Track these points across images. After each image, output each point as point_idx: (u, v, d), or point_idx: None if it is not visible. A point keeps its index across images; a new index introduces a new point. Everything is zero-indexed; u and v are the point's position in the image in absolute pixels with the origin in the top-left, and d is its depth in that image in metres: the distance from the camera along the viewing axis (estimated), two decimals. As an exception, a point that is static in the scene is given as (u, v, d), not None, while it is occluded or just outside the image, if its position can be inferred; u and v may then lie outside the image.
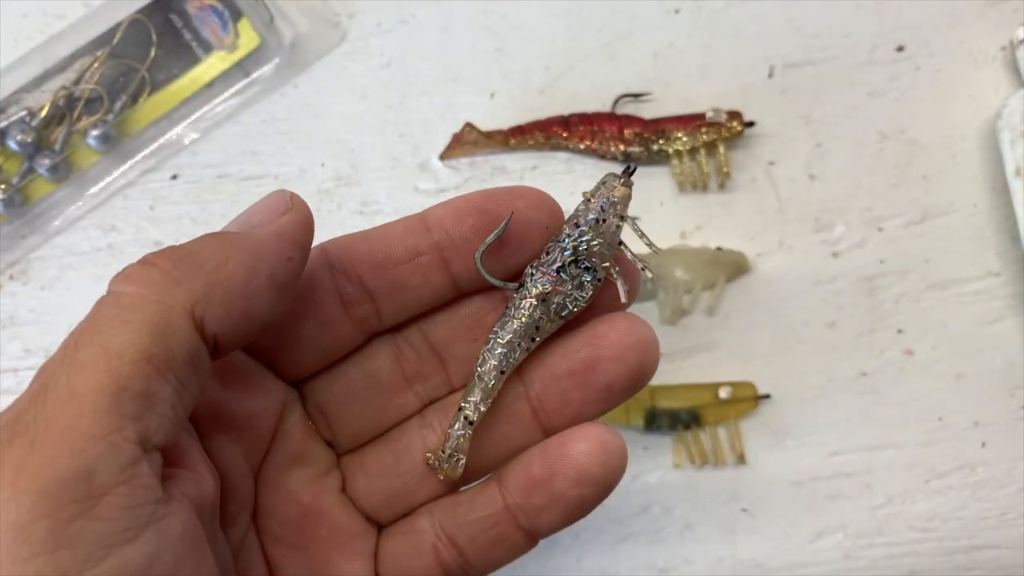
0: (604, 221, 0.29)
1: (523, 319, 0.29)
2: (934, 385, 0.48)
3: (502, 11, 0.53)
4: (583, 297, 0.29)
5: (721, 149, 0.49)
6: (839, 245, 0.50)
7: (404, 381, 0.31)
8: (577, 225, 0.29)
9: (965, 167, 0.51)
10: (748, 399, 0.47)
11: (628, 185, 0.29)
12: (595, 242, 0.29)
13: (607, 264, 0.29)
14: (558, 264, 0.29)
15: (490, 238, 0.28)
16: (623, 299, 0.30)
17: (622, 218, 0.29)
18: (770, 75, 0.52)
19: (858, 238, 0.50)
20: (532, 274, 0.29)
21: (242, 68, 0.51)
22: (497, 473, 0.30)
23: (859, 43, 0.52)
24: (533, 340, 0.29)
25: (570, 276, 0.29)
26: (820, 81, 0.52)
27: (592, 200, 0.29)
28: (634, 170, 0.30)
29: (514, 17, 0.53)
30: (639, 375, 0.29)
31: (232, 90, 0.50)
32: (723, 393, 0.46)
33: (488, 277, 0.29)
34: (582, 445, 0.28)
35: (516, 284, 0.29)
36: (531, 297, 0.29)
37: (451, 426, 0.29)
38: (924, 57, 0.52)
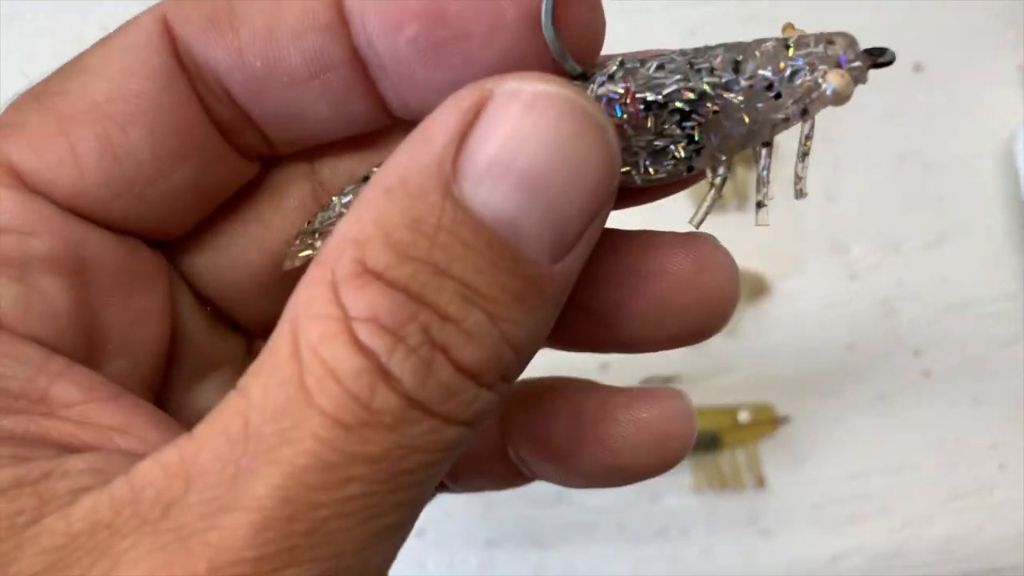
0: (778, 96, 0.17)
1: None
2: (951, 407, 0.48)
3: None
4: (646, 172, 0.18)
5: (738, 168, 0.49)
6: (856, 266, 0.50)
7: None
8: (737, 67, 0.17)
9: (982, 188, 0.51)
10: (767, 421, 0.47)
11: (856, 74, 0.18)
12: (740, 109, 0.17)
13: (724, 155, 0.18)
14: (656, 96, 0.17)
15: None
16: (692, 222, 0.19)
17: (804, 112, 0.18)
18: (787, 95, 0.52)
19: (875, 259, 0.50)
20: (611, 78, 0.17)
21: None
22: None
23: (875, 63, 0.52)
24: None
25: (656, 126, 0.17)
26: (837, 101, 0.52)
27: (787, 48, 0.18)
28: (890, 61, 0.19)
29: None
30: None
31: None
32: (742, 416, 0.46)
33: (555, 42, 0.17)
34: (629, 431, 0.21)
35: (580, 72, 0.18)
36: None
37: (341, 194, 0.19)
38: (941, 77, 0.52)
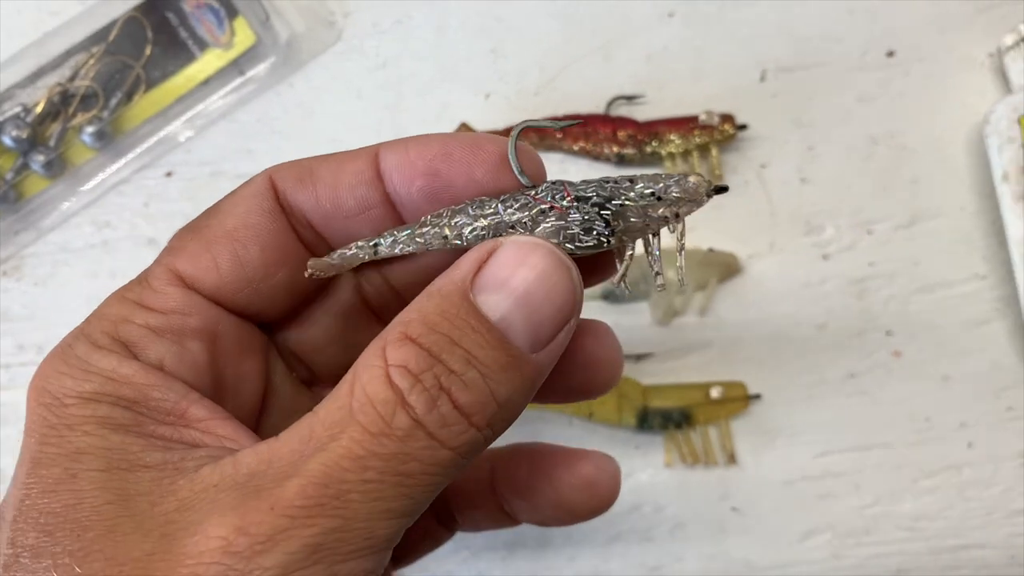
0: (658, 200, 0.26)
1: (507, 212, 0.26)
2: (922, 386, 0.49)
3: (497, 12, 0.53)
4: (580, 241, 0.26)
5: (714, 152, 0.50)
6: (829, 247, 0.50)
7: (371, 315, 0.31)
8: (632, 182, 0.27)
9: (953, 171, 0.52)
10: (739, 399, 0.47)
11: (707, 193, 0.27)
12: (633, 207, 0.26)
13: (626, 237, 0.27)
14: (584, 194, 0.26)
15: (539, 122, 0.29)
16: (614, 280, 0.28)
17: (677, 216, 0.27)
18: (762, 79, 0.52)
19: (848, 241, 0.51)
20: (552, 184, 0.27)
21: (237, 66, 0.51)
22: (493, 453, 0.32)
23: (850, 48, 0.53)
24: (494, 235, 0.26)
25: (584, 212, 0.26)
26: (811, 85, 0.52)
27: (662, 176, 0.27)
28: (724, 190, 0.27)
29: (509, 18, 0.53)
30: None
31: (227, 88, 0.50)
32: (714, 393, 0.47)
33: (515, 161, 0.27)
34: (571, 478, 0.31)
35: (531, 184, 0.27)
36: (536, 197, 0.26)
37: (359, 240, 0.28)
38: (914, 62, 0.53)
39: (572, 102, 0.52)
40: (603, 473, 0.31)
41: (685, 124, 0.50)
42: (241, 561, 0.21)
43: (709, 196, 0.27)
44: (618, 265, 0.27)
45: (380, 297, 0.31)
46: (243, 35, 0.50)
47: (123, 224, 0.50)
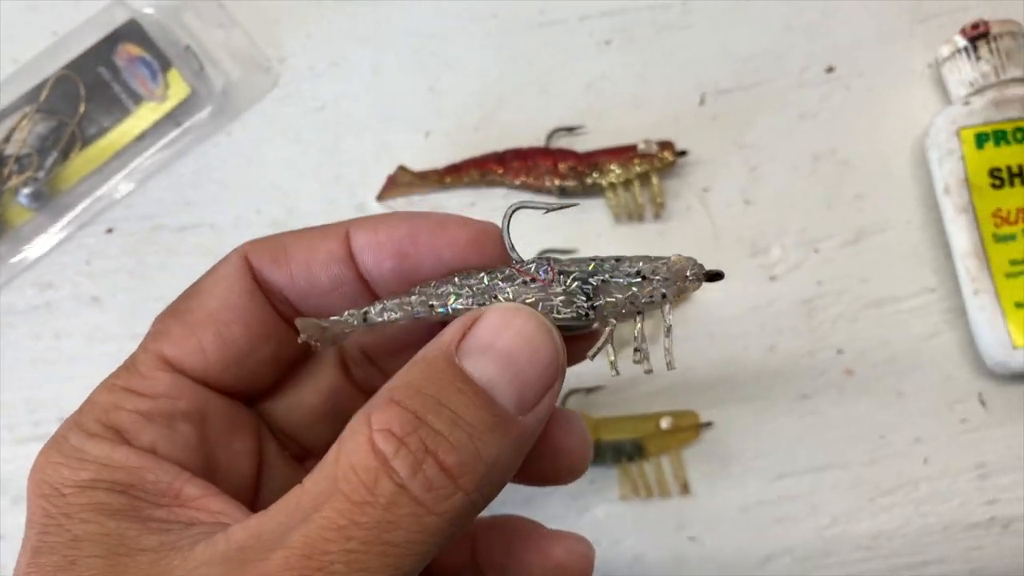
0: (643, 279, 0.27)
1: (491, 282, 0.27)
2: (875, 403, 0.49)
3: (433, 48, 0.53)
4: (560, 314, 0.27)
5: (655, 180, 0.49)
6: (776, 268, 0.50)
7: (358, 392, 0.32)
8: (619, 261, 0.27)
9: (898, 185, 0.52)
10: (690, 428, 0.47)
11: (697, 277, 0.27)
12: (618, 284, 0.27)
13: (608, 314, 0.27)
14: (567, 269, 0.27)
15: (532, 204, 0.29)
16: (589, 354, 0.28)
17: (663, 296, 0.27)
18: (702, 102, 0.52)
19: (794, 260, 0.50)
20: (539, 259, 0.28)
21: (173, 118, 0.50)
22: (480, 523, 0.32)
23: (790, 65, 0.53)
24: (479, 305, 0.27)
25: (565, 285, 0.27)
26: (752, 105, 0.52)
27: (651, 257, 0.28)
28: (719, 277, 0.28)
29: (445, 54, 0.53)
30: None
31: (164, 140, 0.50)
32: (664, 423, 0.47)
33: (508, 238, 0.28)
34: (542, 561, 0.31)
35: (520, 260, 0.28)
36: (521, 270, 0.27)
37: (349, 310, 0.28)
38: (854, 77, 0.53)
39: (512, 135, 0.51)
40: (574, 556, 0.31)
41: (624, 154, 0.50)
42: None
43: (698, 280, 0.27)
44: (596, 345, 0.28)
45: (365, 374, 0.32)
46: (177, 87, 0.50)
47: (65, 284, 0.50)
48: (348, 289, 0.28)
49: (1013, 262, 0.47)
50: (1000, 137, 0.48)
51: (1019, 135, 0.48)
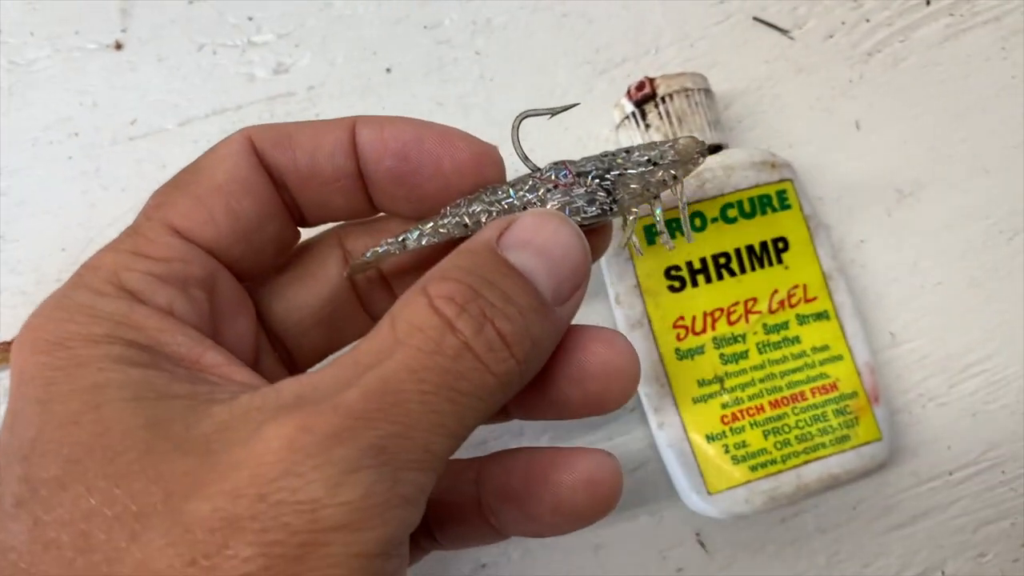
0: (654, 165, 0.29)
1: (517, 193, 0.28)
2: (575, 562, 0.40)
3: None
4: (585, 213, 0.28)
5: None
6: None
7: (357, 302, 0.31)
8: (628, 152, 0.29)
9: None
10: None
11: (702, 153, 0.29)
12: (633, 175, 0.29)
13: (628, 203, 0.29)
14: (585, 169, 0.28)
15: (537, 111, 0.30)
16: (621, 243, 0.31)
17: (675, 177, 0.29)
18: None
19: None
20: (555, 165, 0.28)
21: None
22: (478, 462, 0.30)
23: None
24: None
25: (586, 186, 0.28)
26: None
27: (657, 143, 0.29)
28: (719, 148, 0.30)
29: (13, 194, 0.43)
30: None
31: None
32: None
33: (518, 146, 0.29)
34: (570, 478, 0.28)
35: (535, 166, 0.29)
36: (542, 178, 0.28)
37: (388, 238, 0.29)
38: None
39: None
40: (604, 470, 0.28)
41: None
42: (307, 457, 0.20)
43: (703, 155, 0.29)
44: (623, 228, 0.30)
45: (368, 284, 0.31)
46: None
47: None
48: (347, 183, 0.28)
49: (702, 382, 0.38)
50: (676, 227, 0.38)
51: (698, 221, 0.39)
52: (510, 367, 0.23)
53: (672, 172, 0.29)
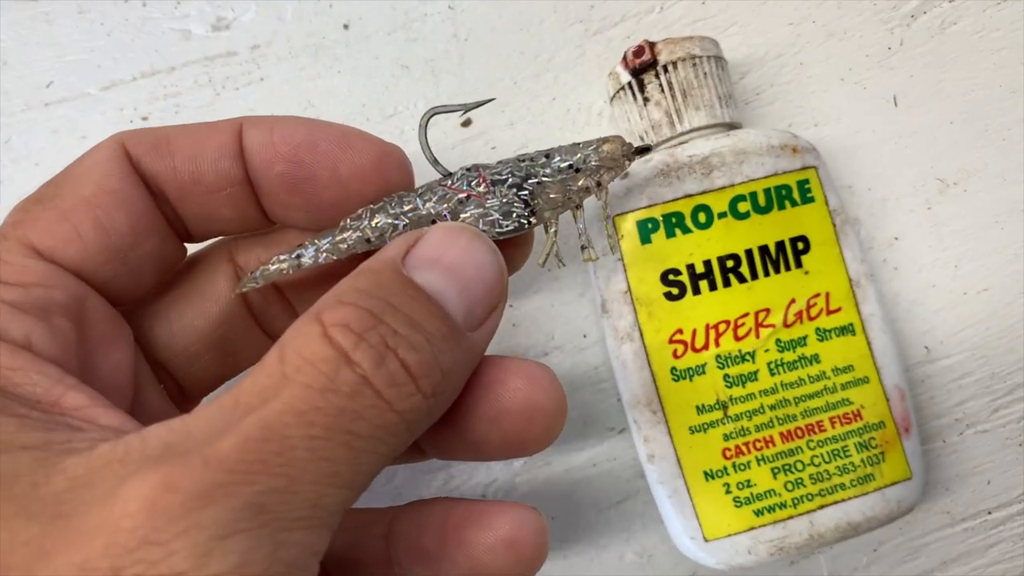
0: (576, 171, 0.27)
1: (426, 206, 0.26)
2: (547, 605, 0.35)
3: None
4: (501, 227, 0.26)
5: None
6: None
7: (252, 321, 0.28)
8: (548, 157, 0.27)
9: (566, 291, 0.36)
10: None
11: (627, 156, 0.27)
12: (552, 182, 0.27)
13: (548, 214, 0.27)
14: (500, 177, 0.26)
15: (448, 108, 0.28)
16: (539, 261, 0.28)
17: (598, 184, 0.27)
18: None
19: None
20: (467, 171, 0.26)
21: None
22: (390, 513, 0.27)
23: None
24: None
25: (501, 196, 0.26)
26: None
27: (579, 145, 0.27)
28: (648, 150, 0.28)
29: None
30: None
31: None
32: None
33: (427, 148, 0.27)
34: (487, 538, 0.25)
35: (445, 171, 0.27)
36: (453, 187, 0.26)
37: (279, 254, 0.27)
38: (497, 130, 0.37)
39: None
40: (526, 528, 0.25)
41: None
42: (170, 521, 0.17)
43: (629, 159, 0.27)
44: (546, 246, 0.27)
45: (263, 300, 0.28)
46: None
47: None
48: (235, 191, 0.26)
49: (702, 409, 0.32)
50: (675, 223, 0.32)
51: (702, 216, 0.32)
52: (416, 403, 0.21)
53: (595, 179, 0.27)
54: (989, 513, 0.36)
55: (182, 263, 0.28)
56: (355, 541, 0.26)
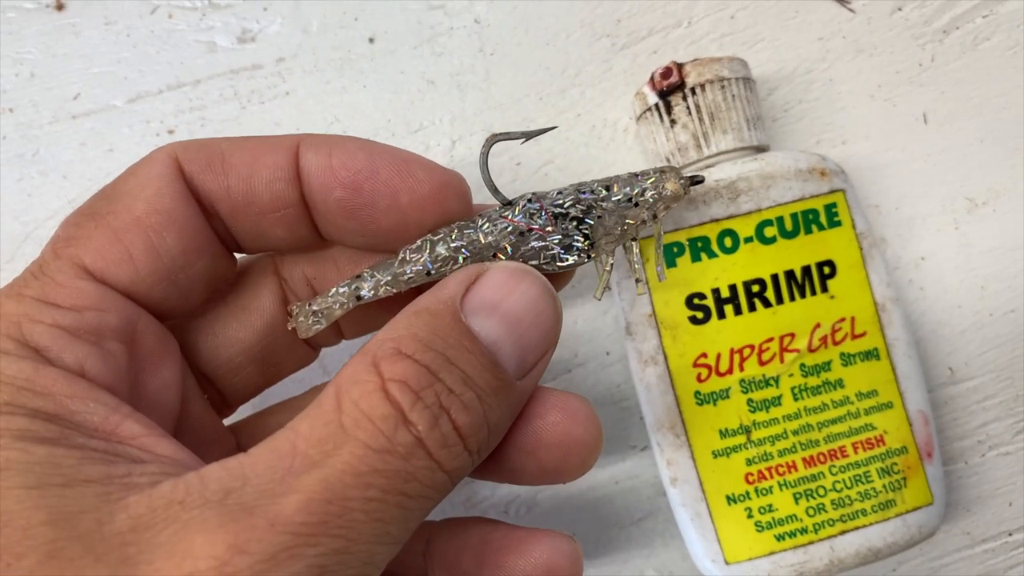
0: (636, 205, 0.27)
1: (486, 238, 0.26)
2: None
3: None
4: (562, 260, 0.26)
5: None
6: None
7: (294, 336, 0.28)
8: (608, 188, 0.27)
9: (590, 307, 0.36)
10: None
11: (685, 188, 0.27)
12: (612, 215, 0.27)
13: (606, 247, 0.27)
14: (561, 210, 0.26)
15: (510, 135, 0.27)
16: (597, 294, 0.28)
17: (655, 217, 0.27)
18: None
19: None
20: (529, 201, 0.26)
21: None
22: (428, 529, 0.27)
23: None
24: (476, 262, 0.26)
25: (563, 230, 0.26)
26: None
27: (637, 177, 0.27)
28: (701, 181, 0.28)
29: None
30: None
31: None
32: None
33: (487, 175, 0.26)
34: (524, 565, 0.25)
35: (505, 200, 0.27)
36: (515, 220, 0.26)
37: (338, 286, 0.26)
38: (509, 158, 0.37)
39: None
40: (563, 556, 0.25)
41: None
42: None
43: (686, 192, 0.27)
44: (600, 279, 0.27)
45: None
46: None
47: None
48: (290, 213, 0.25)
49: (725, 433, 0.32)
50: (701, 247, 0.32)
51: (728, 241, 0.32)
52: (463, 461, 0.22)
53: (652, 211, 0.27)
54: (1010, 535, 0.36)
55: (232, 277, 0.28)
56: (396, 558, 0.27)
